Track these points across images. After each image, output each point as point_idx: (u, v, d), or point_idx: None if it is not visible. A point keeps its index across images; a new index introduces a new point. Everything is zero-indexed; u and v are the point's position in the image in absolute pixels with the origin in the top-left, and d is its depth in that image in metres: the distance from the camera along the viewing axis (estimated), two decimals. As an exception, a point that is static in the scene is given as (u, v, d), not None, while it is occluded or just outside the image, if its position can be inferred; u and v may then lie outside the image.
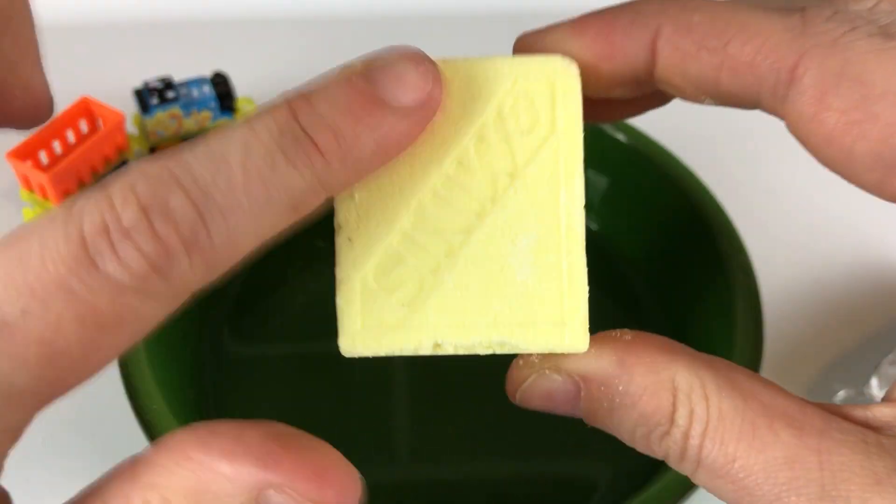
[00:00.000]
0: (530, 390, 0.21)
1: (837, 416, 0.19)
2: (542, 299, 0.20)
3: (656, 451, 0.20)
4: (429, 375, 0.34)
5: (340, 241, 0.20)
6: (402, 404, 0.33)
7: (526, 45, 0.21)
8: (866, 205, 0.47)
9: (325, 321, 0.36)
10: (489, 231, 0.19)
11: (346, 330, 0.20)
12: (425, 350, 0.20)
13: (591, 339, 0.20)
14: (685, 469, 0.20)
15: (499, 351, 0.20)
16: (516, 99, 0.19)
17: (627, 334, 0.20)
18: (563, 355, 0.20)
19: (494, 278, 0.20)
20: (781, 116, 0.21)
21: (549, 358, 0.20)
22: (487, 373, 0.31)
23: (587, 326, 0.20)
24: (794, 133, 0.21)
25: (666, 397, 0.19)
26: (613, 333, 0.20)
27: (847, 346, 0.40)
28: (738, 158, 0.50)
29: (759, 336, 0.30)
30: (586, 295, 0.20)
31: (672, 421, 0.19)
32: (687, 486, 0.26)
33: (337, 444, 0.31)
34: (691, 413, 0.19)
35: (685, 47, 0.20)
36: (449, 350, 0.20)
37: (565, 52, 0.20)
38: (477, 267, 0.20)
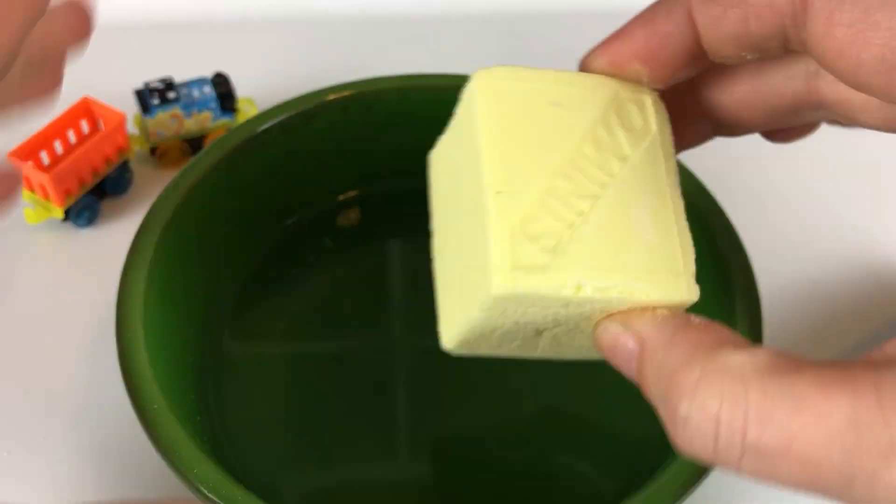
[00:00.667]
0: (599, 338, 0.23)
1: (883, 365, 0.19)
2: (663, 254, 0.23)
3: (682, 436, 0.20)
4: (429, 376, 0.34)
5: (489, 195, 0.22)
6: (403, 404, 0.33)
7: (591, 64, 0.26)
8: (866, 205, 0.47)
9: (327, 321, 0.36)
10: (612, 198, 0.23)
11: (496, 269, 0.22)
12: (567, 290, 0.22)
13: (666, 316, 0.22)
14: (726, 460, 0.19)
15: (626, 299, 0.22)
16: (620, 107, 0.24)
17: (696, 319, 0.22)
18: (635, 313, 0.22)
19: (622, 235, 0.23)
20: (807, 47, 0.22)
21: (625, 314, 0.22)
22: (488, 374, 0.31)
23: (692, 284, 0.23)
24: (816, 57, 0.22)
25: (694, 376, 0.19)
26: (688, 316, 0.22)
27: (845, 345, 0.40)
28: (737, 158, 0.50)
29: (759, 336, 0.30)
30: (693, 254, 0.23)
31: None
32: (684, 488, 0.26)
33: (337, 444, 0.32)
34: (722, 394, 0.19)
35: (713, 12, 0.23)
36: (587, 292, 0.22)
37: (626, 60, 0.25)
38: (606, 226, 0.23)
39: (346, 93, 0.36)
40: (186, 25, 0.57)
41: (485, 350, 0.25)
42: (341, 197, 0.39)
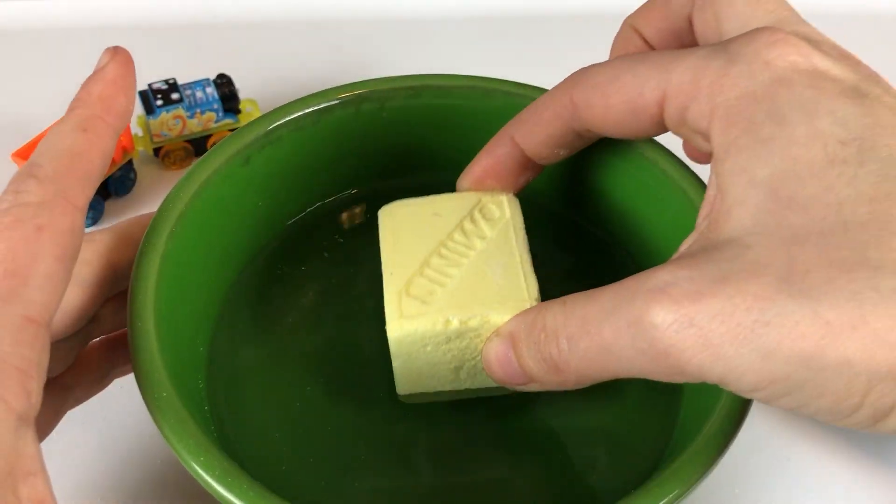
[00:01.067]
0: (484, 358, 0.30)
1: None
2: (511, 290, 0.30)
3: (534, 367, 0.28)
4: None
5: (384, 276, 0.31)
6: (404, 403, 0.33)
7: (461, 186, 0.34)
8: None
9: (337, 316, 0.36)
10: (473, 264, 0.31)
11: (389, 320, 0.30)
12: (439, 325, 0.30)
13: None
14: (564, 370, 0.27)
15: (486, 323, 0.30)
16: (482, 206, 0.33)
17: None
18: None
19: (479, 284, 0.31)
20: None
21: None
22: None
23: (534, 287, 0.31)
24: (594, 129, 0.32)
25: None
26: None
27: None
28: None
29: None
30: (537, 289, 0.31)
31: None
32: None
33: (345, 438, 0.32)
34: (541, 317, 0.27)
35: (521, 132, 0.33)
36: (455, 323, 0.30)
37: (481, 179, 0.34)
38: (467, 280, 0.31)
39: (358, 91, 0.37)
40: (190, 27, 0.57)
41: (430, 390, 0.32)
42: (349, 193, 0.39)
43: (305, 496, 0.30)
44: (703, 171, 0.32)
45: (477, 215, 0.33)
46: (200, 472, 0.25)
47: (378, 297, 0.31)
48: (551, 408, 0.33)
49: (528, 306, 0.29)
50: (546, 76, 0.37)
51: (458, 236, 0.32)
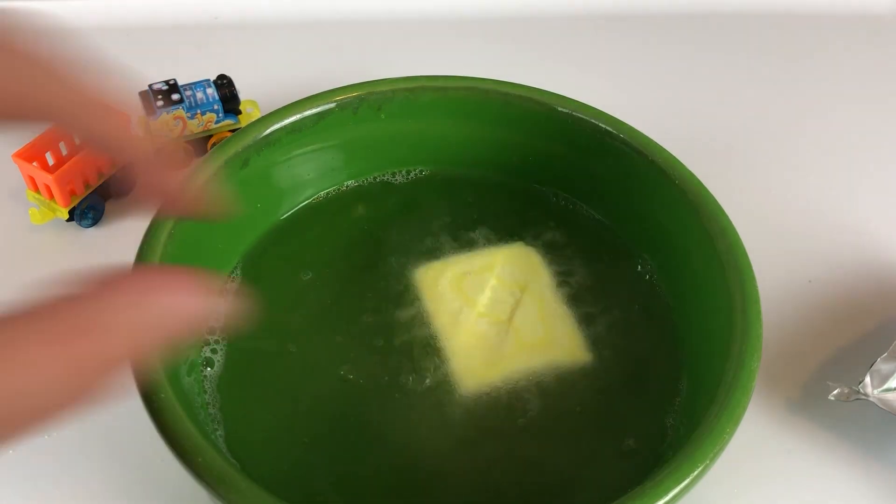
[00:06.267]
0: None
1: None
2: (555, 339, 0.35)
3: None
4: (436, 379, 0.34)
5: (441, 329, 0.35)
6: (407, 403, 0.33)
7: None
8: (862, 206, 0.47)
9: (334, 314, 0.36)
10: (518, 318, 0.35)
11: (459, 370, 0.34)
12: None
13: None
14: None
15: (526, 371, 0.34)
16: (506, 261, 0.37)
17: None
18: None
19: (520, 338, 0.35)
20: None
21: None
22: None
23: (579, 342, 0.35)
24: None
25: None
26: None
27: (841, 344, 0.40)
28: (736, 159, 0.50)
29: (757, 334, 0.30)
30: (572, 323, 0.36)
31: None
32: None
33: (345, 438, 0.32)
34: None
35: None
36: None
37: None
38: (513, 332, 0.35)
39: (355, 93, 0.37)
40: (190, 28, 0.57)
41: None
42: (347, 186, 0.40)
43: (306, 497, 0.30)
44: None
45: (505, 269, 0.37)
46: (199, 472, 0.26)
47: (384, 294, 0.31)
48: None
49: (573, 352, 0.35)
50: (546, 76, 0.37)
51: (495, 286, 0.36)
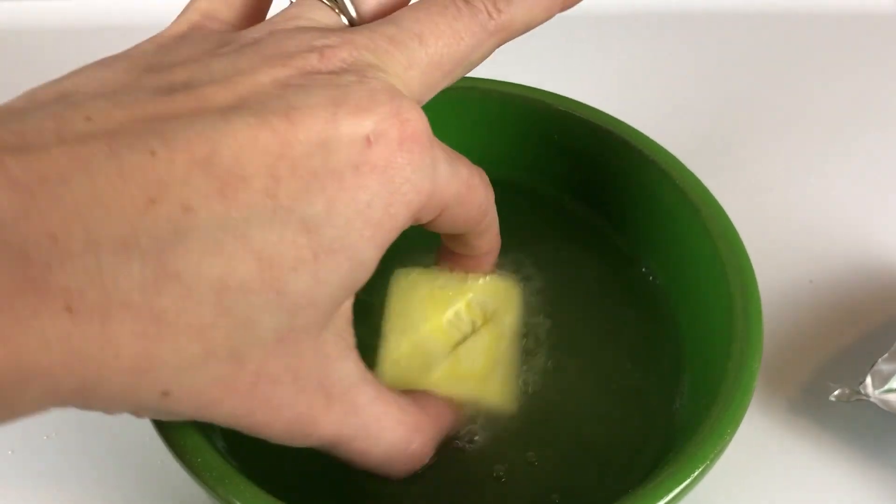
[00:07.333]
0: None
1: None
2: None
3: None
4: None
5: (387, 332, 0.34)
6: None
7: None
8: (863, 205, 0.47)
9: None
10: (464, 347, 0.34)
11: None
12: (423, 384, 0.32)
13: None
14: None
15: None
16: (484, 290, 0.35)
17: None
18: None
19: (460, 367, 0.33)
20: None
21: None
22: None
23: (512, 391, 0.34)
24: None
25: None
26: None
27: (843, 344, 0.41)
28: (737, 159, 0.50)
29: (758, 335, 0.30)
30: (514, 373, 0.34)
31: None
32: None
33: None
34: None
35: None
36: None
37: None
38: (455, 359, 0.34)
39: None
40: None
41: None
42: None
43: (306, 497, 0.30)
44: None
45: (478, 294, 0.35)
46: (200, 473, 0.25)
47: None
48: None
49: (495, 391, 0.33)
50: (546, 76, 0.37)
51: (463, 310, 0.34)
